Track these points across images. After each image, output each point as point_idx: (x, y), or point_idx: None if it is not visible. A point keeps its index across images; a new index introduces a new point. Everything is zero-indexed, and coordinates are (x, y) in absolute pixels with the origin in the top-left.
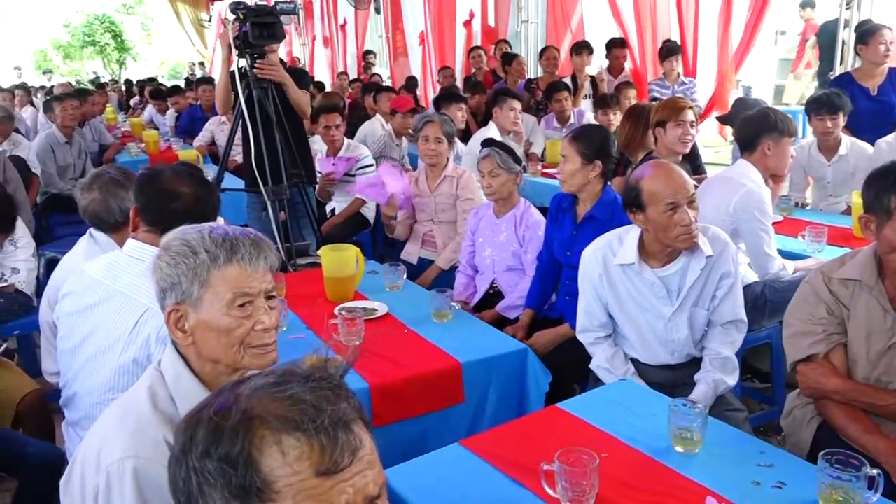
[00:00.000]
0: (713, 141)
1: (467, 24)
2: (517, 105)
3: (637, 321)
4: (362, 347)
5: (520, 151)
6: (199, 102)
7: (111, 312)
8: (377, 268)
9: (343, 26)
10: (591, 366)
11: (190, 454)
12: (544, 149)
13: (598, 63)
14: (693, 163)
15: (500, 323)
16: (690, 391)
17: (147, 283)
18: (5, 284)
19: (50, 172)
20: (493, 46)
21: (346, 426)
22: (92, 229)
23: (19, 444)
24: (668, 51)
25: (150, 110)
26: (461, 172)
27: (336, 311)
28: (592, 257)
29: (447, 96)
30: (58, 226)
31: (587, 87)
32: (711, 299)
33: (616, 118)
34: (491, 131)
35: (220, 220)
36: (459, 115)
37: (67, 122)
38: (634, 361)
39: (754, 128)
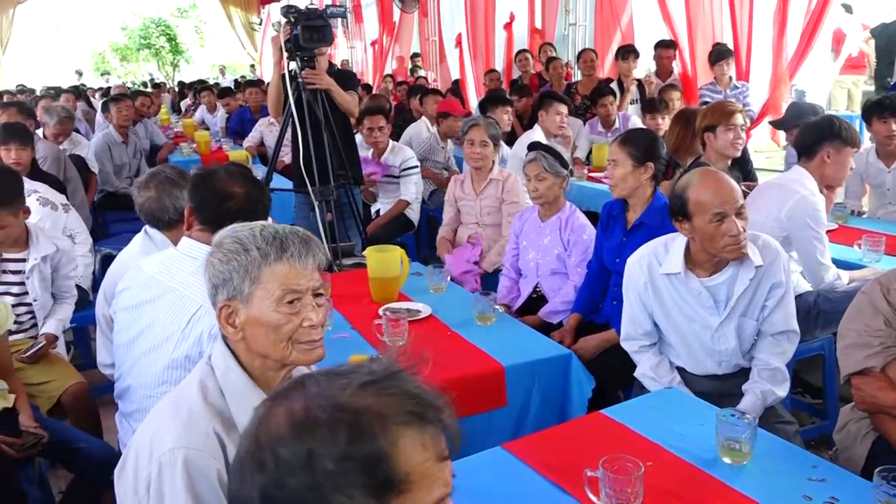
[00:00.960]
0: (765, 146)
1: (507, 26)
2: (563, 109)
3: (683, 331)
4: (405, 348)
5: (567, 155)
6: (247, 104)
7: (165, 309)
8: (421, 269)
9: (393, 29)
10: (636, 374)
11: (321, 460)
12: (589, 152)
13: (645, 66)
14: (743, 168)
15: (543, 328)
16: (738, 402)
17: (200, 280)
18: None
19: (107, 171)
20: (538, 49)
21: (449, 412)
22: (147, 227)
23: (71, 438)
24: (720, 54)
25: (201, 111)
26: (506, 176)
27: (380, 311)
28: (637, 265)
29: (493, 99)
30: (113, 222)
31: (634, 91)
32: (761, 309)
33: (664, 122)
34: (536, 134)
35: (269, 220)
36: (505, 118)
37: (123, 122)
38: (680, 370)
39: (816, 134)
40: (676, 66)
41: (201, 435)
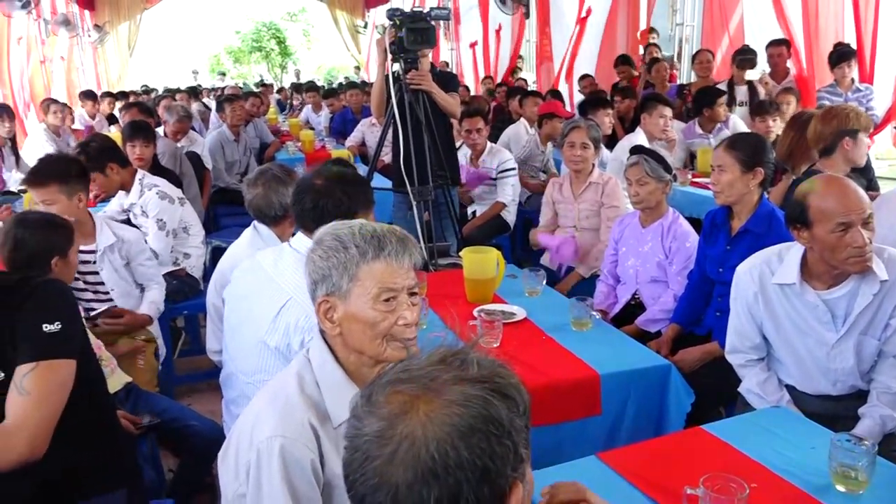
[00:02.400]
0: (886, 153)
1: (582, 21)
2: (667, 112)
3: (795, 346)
4: (499, 351)
5: (671, 159)
6: (349, 105)
7: (265, 298)
8: (517, 272)
9: (498, 31)
10: (741, 389)
11: (516, 417)
12: (691, 157)
13: (758, 67)
14: (865, 177)
15: (640, 337)
16: (853, 425)
17: (296, 273)
18: (178, 268)
19: (219, 167)
20: (643, 50)
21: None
22: (255, 222)
23: (183, 416)
24: (841, 55)
25: (306, 111)
26: (606, 179)
27: (475, 312)
28: (748, 274)
29: (594, 101)
30: (223, 216)
31: (743, 93)
32: (884, 328)
33: (776, 126)
34: (639, 138)
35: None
36: (606, 120)
37: (236, 122)
38: (790, 388)
39: None
40: (791, 67)
41: (297, 425)
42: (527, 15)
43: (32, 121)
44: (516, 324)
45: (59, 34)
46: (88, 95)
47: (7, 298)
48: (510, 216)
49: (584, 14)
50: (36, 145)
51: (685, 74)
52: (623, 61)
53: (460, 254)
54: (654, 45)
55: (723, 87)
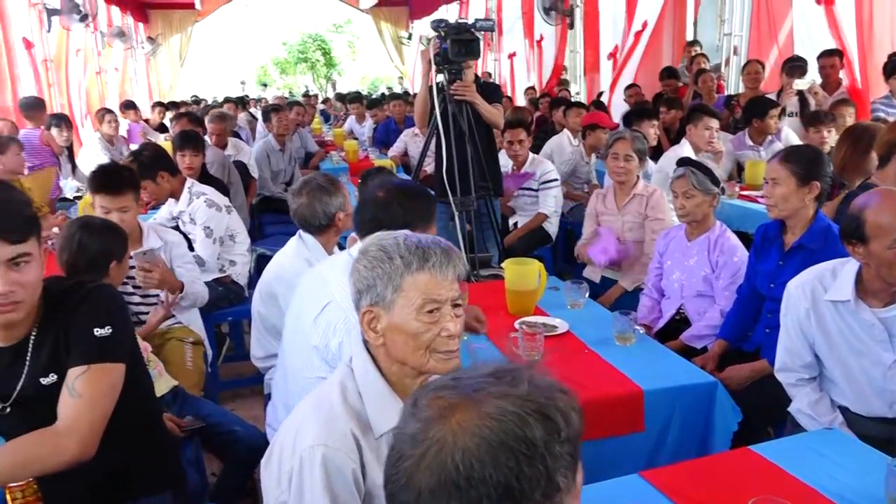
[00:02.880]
0: None
1: (638, 34)
2: (714, 124)
3: (849, 366)
4: (541, 364)
5: (718, 172)
6: (392, 116)
7: (313, 298)
8: (558, 284)
9: (539, 42)
10: (791, 410)
11: (554, 442)
12: (739, 169)
13: (808, 76)
14: None
15: (684, 352)
16: None
17: (340, 277)
18: (224, 275)
19: (265, 176)
20: (690, 60)
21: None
22: (300, 231)
23: (227, 421)
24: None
25: (350, 121)
26: (651, 191)
27: (516, 324)
28: (800, 290)
29: (639, 112)
30: (268, 224)
31: (794, 103)
32: None
33: (831, 137)
34: (684, 149)
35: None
36: (651, 132)
37: (282, 131)
38: (843, 410)
39: None
40: (844, 78)
41: (339, 434)
42: (570, 25)
43: (88, 130)
44: (558, 337)
45: (114, 46)
46: (129, 106)
47: (61, 303)
48: (552, 227)
49: (640, 27)
50: (91, 154)
51: (733, 85)
52: (669, 74)
53: (502, 265)
54: (702, 55)
55: (772, 97)
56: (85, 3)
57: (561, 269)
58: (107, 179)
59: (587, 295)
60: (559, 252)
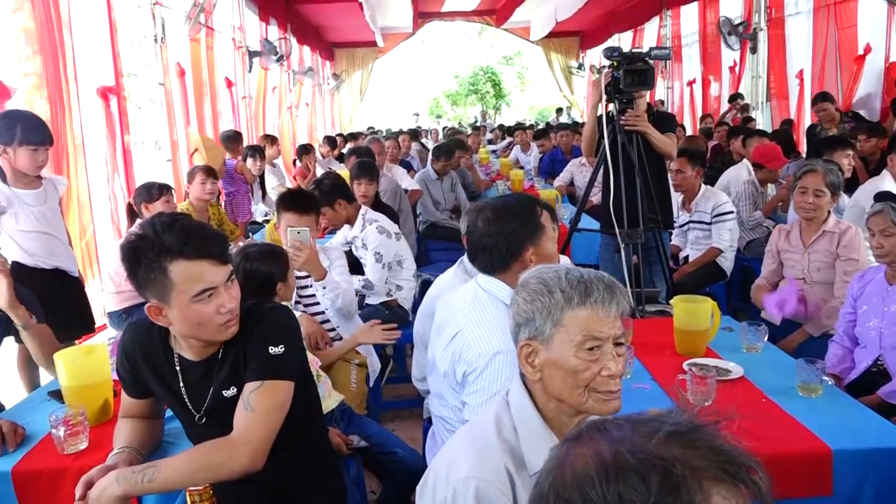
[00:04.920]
0: None
1: (859, 59)
2: None
3: None
4: (711, 410)
5: None
6: (559, 146)
7: (447, 326)
8: (733, 324)
9: (714, 68)
10: None
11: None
12: None
13: None
14: None
15: (883, 410)
16: None
17: (466, 306)
18: (390, 298)
19: (427, 204)
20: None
21: (762, 474)
22: (465, 256)
23: (389, 442)
24: None
25: (516, 151)
26: (844, 228)
27: (685, 365)
28: None
29: (832, 140)
30: (433, 251)
31: None
32: None
33: None
34: (885, 182)
35: (566, 261)
36: (845, 162)
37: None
38: None
39: None
40: None
41: (493, 468)
42: (753, 50)
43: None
44: (732, 382)
45: (303, 83)
46: (329, 141)
47: (242, 323)
48: (727, 263)
49: (861, 51)
50: (270, 180)
51: None
52: (822, 98)
53: (670, 301)
54: None
55: None
56: (281, 45)
57: (736, 307)
58: (294, 200)
59: (766, 338)
60: (734, 290)
